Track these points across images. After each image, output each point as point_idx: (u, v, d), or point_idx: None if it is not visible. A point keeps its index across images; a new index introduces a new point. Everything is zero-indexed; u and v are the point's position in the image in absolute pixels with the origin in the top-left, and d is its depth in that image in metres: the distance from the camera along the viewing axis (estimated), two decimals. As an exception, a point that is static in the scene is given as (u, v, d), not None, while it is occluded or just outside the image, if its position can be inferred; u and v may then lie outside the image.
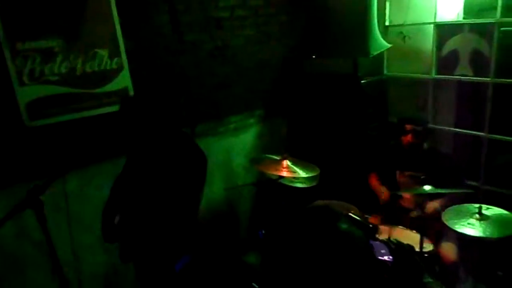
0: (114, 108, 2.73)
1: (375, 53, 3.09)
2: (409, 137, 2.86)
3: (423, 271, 1.61)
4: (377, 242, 2.32)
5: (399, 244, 1.75)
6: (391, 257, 2.13)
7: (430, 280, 1.53)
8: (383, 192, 2.96)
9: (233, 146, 3.51)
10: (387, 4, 3.50)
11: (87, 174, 2.70)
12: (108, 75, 2.71)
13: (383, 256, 2.23)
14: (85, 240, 2.73)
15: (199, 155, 2.13)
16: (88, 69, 2.64)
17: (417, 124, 2.86)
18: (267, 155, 2.92)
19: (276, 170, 2.65)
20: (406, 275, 1.64)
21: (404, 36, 3.48)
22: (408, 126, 2.87)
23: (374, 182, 3.12)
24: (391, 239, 2.33)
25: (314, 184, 3.10)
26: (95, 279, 2.85)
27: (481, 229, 2.21)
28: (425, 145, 2.92)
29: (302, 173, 2.65)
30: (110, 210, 2.23)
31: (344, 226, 0.96)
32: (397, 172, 3.00)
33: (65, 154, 2.53)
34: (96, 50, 2.65)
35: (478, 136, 3.18)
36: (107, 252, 2.82)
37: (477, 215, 2.29)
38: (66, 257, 2.60)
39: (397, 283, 1.92)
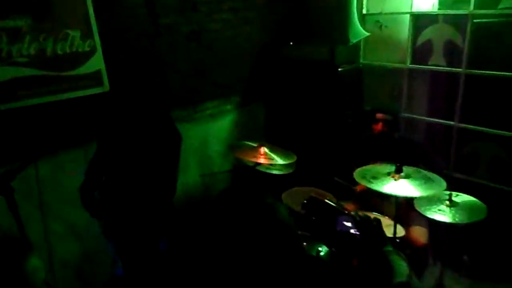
0: (86, 92, 2.65)
1: (355, 41, 3.11)
2: (379, 126, 2.94)
3: (387, 241, 1.66)
4: (343, 216, 2.37)
5: (364, 217, 1.80)
6: (356, 230, 2.19)
7: (390, 248, 1.58)
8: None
9: (209, 133, 3.48)
10: (365, -8, 3.52)
11: (58, 160, 2.62)
12: (80, 57, 2.61)
13: (349, 229, 2.29)
14: (56, 227, 2.66)
15: (173, 133, 2.14)
16: (59, 51, 2.53)
17: (388, 113, 2.93)
18: (244, 141, 2.91)
19: (253, 157, 2.65)
20: (372, 246, 1.69)
21: (381, 25, 3.52)
22: (379, 115, 2.94)
23: None
24: (358, 212, 2.39)
25: (290, 171, 3.13)
26: (67, 268, 2.79)
27: (450, 215, 2.30)
28: (396, 135, 2.99)
29: (279, 160, 2.66)
30: (88, 187, 2.23)
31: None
32: (371, 162, 3.05)
33: (35, 139, 2.44)
34: (67, 31, 2.54)
35: (450, 125, 3.27)
36: (79, 240, 2.76)
37: (447, 202, 2.37)
38: (37, 245, 2.53)
39: (364, 255, 1.97)
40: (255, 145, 2.77)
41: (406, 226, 2.70)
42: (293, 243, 1.03)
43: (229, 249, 1.00)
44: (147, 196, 2.10)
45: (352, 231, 2.28)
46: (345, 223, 2.36)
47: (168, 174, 2.13)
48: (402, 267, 1.46)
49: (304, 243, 2.37)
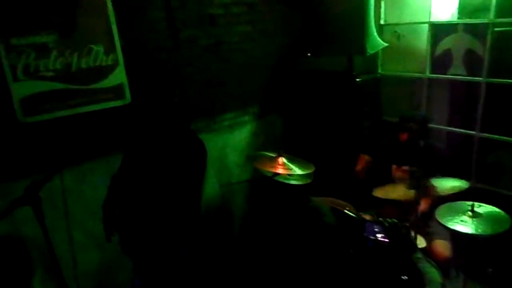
0: (109, 104, 2.73)
1: (372, 51, 3.11)
2: (405, 135, 2.92)
3: (416, 247, 1.64)
4: (371, 223, 2.36)
5: (393, 223, 1.79)
6: (385, 236, 2.17)
7: (419, 255, 1.57)
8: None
9: (228, 143, 3.51)
10: (382, 3, 3.53)
11: (81, 171, 2.69)
12: (103, 71, 2.70)
13: (376, 236, 2.27)
14: (77, 237, 2.72)
15: (198, 146, 2.16)
16: (83, 65, 2.62)
17: (415, 121, 2.90)
18: (262, 152, 2.92)
19: (272, 167, 2.66)
20: (401, 252, 1.67)
21: (399, 35, 3.51)
22: (408, 124, 2.93)
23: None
24: (386, 219, 2.39)
25: (308, 181, 3.12)
26: (89, 277, 2.84)
27: (473, 226, 2.25)
28: (421, 143, 2.95)
29: (297, 170, 2.66)
30: (111, 204, 2.26)
31: (312, 205, 1.04)
32: (393, 167, 3.03)
33: (60, 150, 2.51)
34: (91, 45, 2.63)
35: (470, 134, 3.22)
36: (100, 249, 2.81)
37: (469, 213, 2.33)
38: (62, 254, 2.59)
39: (392, 259, 1.95)
40: (273, 155, 2.78)
41: (426, 237, 2.66)
42: (340, 243, 1.00)
43: (282, 254, 0.98)
44: (172, 209, 2.12)
45: (379, 237, 2.26)
46: (374, 229, 2.35)
47: (193, 187, 2.15)
48: (434, 274, 1.44)
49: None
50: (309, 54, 3.47)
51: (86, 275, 2.80)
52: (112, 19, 2.69)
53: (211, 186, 3.39)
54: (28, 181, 1.77)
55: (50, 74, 2.50)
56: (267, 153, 2.86)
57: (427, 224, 2.72)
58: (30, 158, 2.43)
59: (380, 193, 2.71)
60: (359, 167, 3.10)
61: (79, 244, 2.73)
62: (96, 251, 2.81)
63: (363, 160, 3.10)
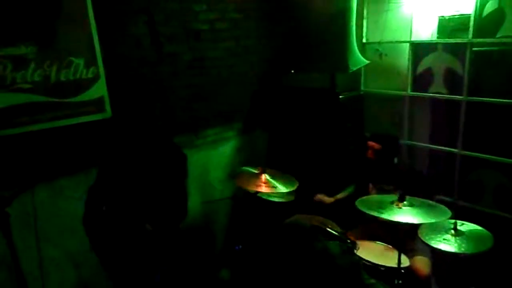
0: (89, 118, 2.67)
1: (354, 68, 3.14)
2: (370, 153, 3.03)
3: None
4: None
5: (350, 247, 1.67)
6: None
7: (372, 281, 1.49)
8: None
9: (211, 159, 3.47)
10: (365, 21, 3.58)
11: (58, 185, 2.60)
12: (83, 84, 2.64)
13: None
14: (53, 255, 2.61)
15: (176, 153, 2.13)
16: (62, 78, 2.56)
17: (382, 141, 3.00)
18: (245, 167, 2.89)
19: (255, 184, 2.62)
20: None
21: (381, 53, 3.56)
22: (370, 143, 3.05)
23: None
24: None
25: (292, 199, 3.09)
26: (63, 297, 2.73)
27: (456, 245, 2.24)
28: (395, 160, 2.99)
29: (281, 188, 2.62)
30: (90, 218, 2.20)
31: (319, 245, 0.94)
32: (370, 185, 3.04)
33: (36, 164, 2.43)
34: (71, 58, 2.58)
35: (452, 152, 3.25)
36: (77, 268, 2.71)
37: (452, 231, 2.32)
38: (32, 272, 2.48)
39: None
40: (256, 171, 2.74)
41: (409, 255, 2.64)
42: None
43: None
44: (154, 219, 2.07)
45: None
46: None
47: (175, 195, 2.10)
48: None
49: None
50: (292, 71, 3.49)
51: (60, 295, 2.68)
52: (94, 31, 2.64)
53: (193, 203, 3.33)
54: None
55: (28, 86, 2.43)
56: (250, 170, 2.82)
57: (411, 242, 2.71)
58: (3, 172, 2.34)
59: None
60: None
61: (54, 261, 2.62)
62: (71, 269, 2.71)
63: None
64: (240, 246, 2.80)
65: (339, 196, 3.18)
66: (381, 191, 2.92)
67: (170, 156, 2.12)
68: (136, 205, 2.06)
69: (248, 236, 2.95)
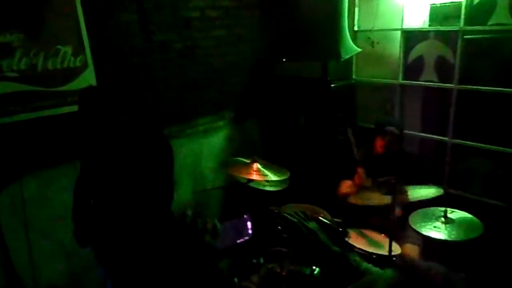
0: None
1: (346, 56, 3.12)
2: (383, 141, 2.86)
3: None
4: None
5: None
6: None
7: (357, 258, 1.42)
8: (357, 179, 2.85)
9: (202, 149, 3.45)
10: (356, 9, 3.55)
11: (47, 176, 2.57)
12: (71, 73, 2.60)
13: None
14: (43, 246, 2.60)
15: (163, 144, 2.09)
16: (50, 66, 2.52)
17: (394, 125, 2.88)
18: (237, 158, 2.88)
19: (246, 173, 2.61)
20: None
21: (373, 42, 3.54)
22: (389, 128, 2.85)
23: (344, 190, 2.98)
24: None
25: (284, 187, 3.09)
26: (54, 288, 2.72)
27: (446, 232, 2.26)
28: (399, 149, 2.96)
29: (272, 176, 2.62)
30: (79, 213, 2.16)
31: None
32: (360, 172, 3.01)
33: (23, 155, 2.40)
34: (59, 46, 2.54)
35: (443, 140, 3.26)
36: (68, 259, 2.69)
37: (442, 219, 2.34)
38: (23, 264, 2.46)
39: None
40: (247, 161, 2.73)
41: (400, 243, 2.66)
42: None
43: None
44: (141, 212, 2.04)
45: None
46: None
47: (162, 186, 2.07)
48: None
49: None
50: (284, 60, 3.46)
51: (50, 286, 2.67)
52: (81, 19, 2.60)
53: (184, 193, 3.32)
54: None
55: (14, 75, 2.39)
56: (242, 159, 2.81)
57: (403, 229, 2.72)
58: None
59: (356, 200, 2.69)
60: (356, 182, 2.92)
61: (44, 253, 2.60)
62: (63, 260, 2.69)
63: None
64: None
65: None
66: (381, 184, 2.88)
67: (156, 147, 2.08)
68: (123, 196, 2.01)
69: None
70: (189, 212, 2.39)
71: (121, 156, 1.99)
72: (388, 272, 0.78)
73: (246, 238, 1.96)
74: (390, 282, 0.76)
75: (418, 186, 2.57)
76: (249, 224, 2.02)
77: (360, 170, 2.87)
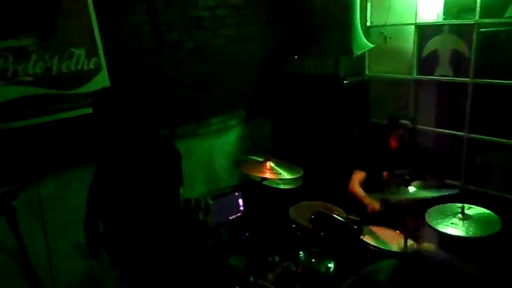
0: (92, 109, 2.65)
1: (359, 52, 3.09)
2: (396, 137, 2.86)
3: None
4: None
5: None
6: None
7: None
8: (370, 203, 2.81)
9: (215, 148, 3.46)
10: (368, 4, 3.51)
11: (64, 178, 2.61)
12: (85, 76, 2.63)
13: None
14: (61, 246, 2.63)
15: (171, 150, 2.09)
16: (64, 69, 2.55)
17: (407, 119, 2.87)
18: (250, 156, 2.88)
19: (260, 171, 2.61)
20: None
21: (385, 37, 3.49)
22: (402, 122, 2.87)
23: (356, 190, 2.96)
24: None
25: (298, 185, 3.08)
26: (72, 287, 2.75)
27: (464, 228, 2.23)
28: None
29: (286, 175, 2.62)
30: (92, 220, 2.18)
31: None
32: (385, 173, 2.99)
33: (40, 157, 2.43)
34: (72, 49, 2.56)
35: (459, 135, 3.21)
36: (85, 259, 2.72)
37: (460, 215, 2.31)
38: (41, 265, 2.50)
39: None
40: (261, 159, 2.73)
41: (417, 241, 2.63)
42: None
43: None
44: (152, 217, 2.04)
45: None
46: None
47: (170, 192, 2.07)
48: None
49: (313, 260, 2.32)
50: (296, 56, 3.45)
51: (68, 285, 2.71)
52: (94, 22, 2.62)
53: (198, 192, 3.33)
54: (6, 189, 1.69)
55: (30, 78, 2.43)
56: (255, 158, 2.81)
57: (417, 228, 2.69)
58: (8, 165, 2.35)
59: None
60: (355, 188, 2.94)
61: (61, 253, 2.64)
62: (80, 261, 2.73)
63: (359, 176, 3.00)
64: (247, 234, 2.81)
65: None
66: (396, 178, 2.87)
67: (163, 153, 2.07)
68: (133, 204, 2.01)
69: (255, 224, 2.95)
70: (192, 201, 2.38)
71: (130, 159, 2.00)
72: (392, 260, 0.76)
73: (238, 214, 1.96)
74: (393, 269, 0.74)
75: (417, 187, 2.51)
76: (240, 201, 2.02)
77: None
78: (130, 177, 1.99)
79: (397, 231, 2.68)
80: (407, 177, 2.34)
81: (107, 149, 2.09)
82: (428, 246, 2.67)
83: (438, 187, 2.57)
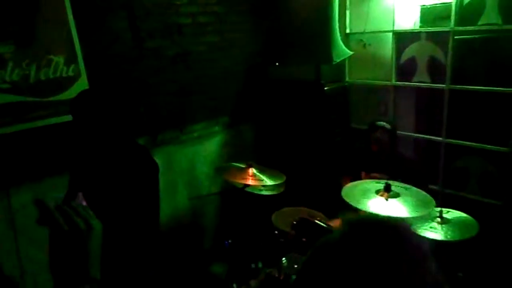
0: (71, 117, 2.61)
1: (338, 60, 3.13)
2: (378, 135, 2.91)
3: None
4: None
5: None
6: None
7: None
8: None
9: (197, 155, 3.44)
10: (347, 12, 3.57)
11: (42, 187, 2.55)
12: (64, 83, 2.59)
13: None
14: (36, 256, 2.57)
15: (149, 163, 2.04)
16: (42, 77, 2.51)
17: (384, 130, 2.92)
18: (232, 163, 2.88)
19: (242, 178, 2.61)
20: None
21: (364, 44, 3.56)
22: (380, 123, 2.94)
23: None
24: None
25: (280, 191, 3.09)
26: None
27: (442, 232, 2.27)
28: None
29: (268, 181, 2.62)
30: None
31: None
32: (363, 173, 3.04)
33: (16, 166, 2.38)
34: (51, 56, 2.53)
35: (437, 140, 3.28)
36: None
37: (438, 219, 2.35)
38: (13, 274, 2.44)
39: None
40: (243, 166, 2.74)
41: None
42: None
43: None
44: (128, 230, 1.99)
45: None
46: None
47: (147, 205, 2.03)
48: None
49: (295, 266, 2.32)
50: (277, 64, 3.47)
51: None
52: (73, 28, 2.59)
53: (180, 199, 3.31)
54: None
55: (6, 86, 2.38)
56: (237, 164, 2.81)
57: None
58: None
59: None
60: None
61: (37, 263, 2.58)
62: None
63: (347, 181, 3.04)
64: (230, 241, 2.80)
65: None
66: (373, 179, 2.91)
67: (139, 164, 2.02)
68: (108, 214, 1.97)
69: (237, 230, 2.95)
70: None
71: (103, 168, 1.95)
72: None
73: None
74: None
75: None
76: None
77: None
78: (101, 187, 1.95)
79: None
80: (387, 183, 2.36)
81: (81, 157, 2.05)
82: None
83: None
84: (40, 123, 2.50)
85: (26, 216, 2.48)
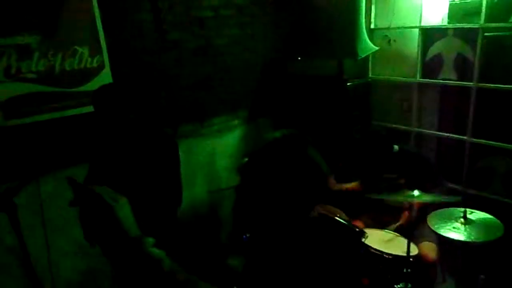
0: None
1: (363, 55, 3.08)
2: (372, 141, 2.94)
3: None
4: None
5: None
6: None
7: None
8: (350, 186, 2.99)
9: (217, 148, 3.45)
10: (373, 7, 3.50)
11: (65, 175, 2.59)
12: (88, 74, 2.62)
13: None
14: (61, 244, 2.63)
15: (167, 140, 2.07)
16: (67, 67, 2.54)
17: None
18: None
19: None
20: None
21: (389, 40, 3.49)
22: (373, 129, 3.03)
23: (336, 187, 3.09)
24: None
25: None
26: (72, 285, 2.75)
27: (466, 233, 2.22)
28: (396, 148, 2.93)
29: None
30: (86, 215, 2.16)
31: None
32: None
33: (42, 155, 2.43)
34: (76, 47, 2.56)
35: (462, 140, 3.20)
36: (85, 258, 2.72)
37: (462, 219, 2.30)
38: (41, 262, 2.50)
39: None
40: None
41: (416, 241, 2.62)
42: None
43: None
44: (149, 209, 2.04)
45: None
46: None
47: (169, 184, 2.06)
48: None
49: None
50: (299, 57, 3.44)
51: (68, 284, 2.70)
52: (98, 20, 2.61)
53: (199, 192, 3.33)
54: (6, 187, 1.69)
55: (33, 76, 2.42)
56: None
57: (419, 228, 2.68)
58: (10, 163, 2.34)
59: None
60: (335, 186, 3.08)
61: (62, 252, 2.64)
62: (79, 258, 2.72)
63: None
64: (248, 235, 2.79)
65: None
66: (384, 181, 2.88)
67: (160, 145, 2.07)
68: (130, 193, 2.01)
69: (256, 225, 2.94)
70: None
71: (126, 156, 1.99)
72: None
73: None
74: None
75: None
76: None
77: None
78: (122, 175, 1.98)
79: (398, 234, 2.67)
80: (402, 181, 2.34)
81: (103, 147, 2.08)
82: (428, 245, 2.66)
83: (441, 193, 2.57)
84: (65, 113, 2.54)
85: (51, 205, 2.54)
